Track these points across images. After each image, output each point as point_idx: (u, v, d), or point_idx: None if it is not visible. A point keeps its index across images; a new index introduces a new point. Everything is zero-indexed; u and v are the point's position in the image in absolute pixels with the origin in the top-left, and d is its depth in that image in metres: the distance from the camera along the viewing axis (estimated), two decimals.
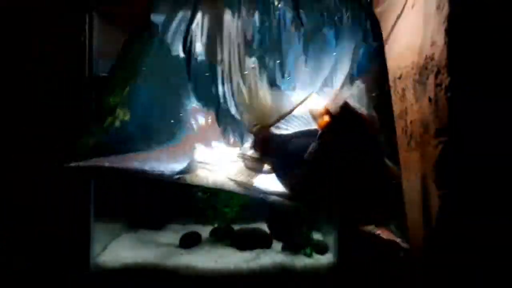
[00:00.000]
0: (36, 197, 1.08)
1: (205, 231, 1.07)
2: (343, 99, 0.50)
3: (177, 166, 0.61)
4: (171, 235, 1.07)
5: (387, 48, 0.99)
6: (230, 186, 0.58)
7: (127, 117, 0.63)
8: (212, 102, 0.60)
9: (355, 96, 0.54)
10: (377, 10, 0.95)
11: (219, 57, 0.57)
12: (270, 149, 0.55)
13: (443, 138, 0.67)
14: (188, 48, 0.60)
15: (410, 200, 0.82)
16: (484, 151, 0.64)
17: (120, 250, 0.94)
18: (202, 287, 0.86)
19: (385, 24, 0.99)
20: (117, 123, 0.63)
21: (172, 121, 0.62)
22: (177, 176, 0.59)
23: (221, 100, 0.58)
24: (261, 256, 0.90)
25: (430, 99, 0.71)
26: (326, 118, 0.50)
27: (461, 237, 0.66)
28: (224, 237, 1.03)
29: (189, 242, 1.00)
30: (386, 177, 0.53)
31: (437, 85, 0.68)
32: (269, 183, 0.56)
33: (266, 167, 0.57)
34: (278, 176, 0.54)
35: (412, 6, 0.84)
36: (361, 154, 0.50)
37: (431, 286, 0.71)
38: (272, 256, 0.90)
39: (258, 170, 0.56)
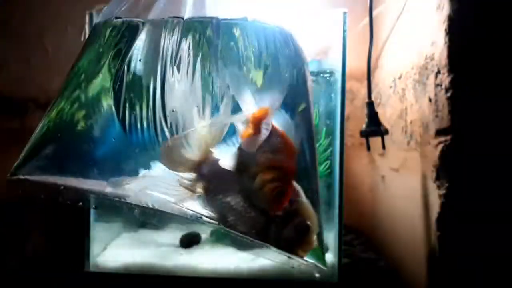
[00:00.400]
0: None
1: (205, 231, 1.06)
2: (266, 115, 0.48)
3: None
4: (171, 235, 1.07)
5: (386, 49, 1.00)
6: (163, 205, 0.51)
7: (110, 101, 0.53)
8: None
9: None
10: (377, 10, 0.96)
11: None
12: (204, 170, 0.51)
13: (443, 138, 0.67)
14: (118, 83, 0.52)
15: (410, 200, 0.82)
16: (485, 151, 0.64)
17: (120, 250, 0.94)
18: (202, 287, 0.85)
19: (385, 24, 0.99)
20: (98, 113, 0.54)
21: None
22: (107, 190, 0.51)
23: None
24: (261, 256, 0.90)
25: (430, 99, 0.71)
26: (250, 130, 0.48)
27: (461, 238, 0.66)
28: (224, 237, 1.03)
29: (189, 242, 0.99)
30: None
31: (437, 85, 0.68)
32: (201, 206, 0.52)
33: (199, 189, 0.52)
34: (207, 199, 0.51)
35: (412, 6, 0.84)
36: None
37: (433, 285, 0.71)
38: (272, 256, 0.89)
39: (193, 192, 0.51)
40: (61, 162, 0.53)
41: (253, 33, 0.54)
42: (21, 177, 0.52)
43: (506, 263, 0.65)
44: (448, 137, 0.66)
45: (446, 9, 0.65)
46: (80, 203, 0.55)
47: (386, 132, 0.85)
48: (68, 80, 0.58)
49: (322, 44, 1.07)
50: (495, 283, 0.65)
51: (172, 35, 0.51)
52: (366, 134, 0.86)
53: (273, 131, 0.48)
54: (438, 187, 0.68)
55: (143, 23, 0.53)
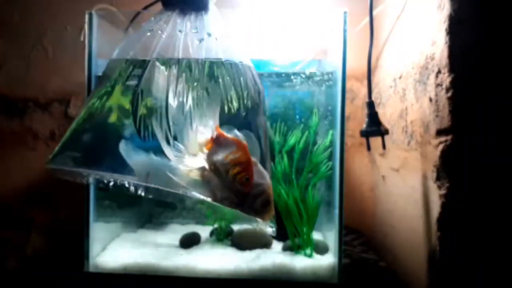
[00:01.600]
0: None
1: (205, 231, 1.07)
2: (218, 131, 0.67)
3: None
4: (171, 235, 1.07)
5: (387, 48, 1.00)
6: (166, 185, 0.64)
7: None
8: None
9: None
10: (377, 10, 0.96)
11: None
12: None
13: (443, 138, 0.67)
14: (135, 105, 0.66)
15: (411, 200, 0.82)
16: (485, 151, 0.64)
17: (120, 250, 0.94)
18: (202, 287, 0.85)
19: (385, 24, 0.99)
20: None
21: None
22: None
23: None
24: (261, 256, 0.90)
25: (430, 99, 0.71)
26: (210, 144, 0.66)
27: (461, 237, 0.66)
28: (224, 237, 1.03)
29: (189, 242, 1.00)
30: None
31: (437, 85, 0.68)
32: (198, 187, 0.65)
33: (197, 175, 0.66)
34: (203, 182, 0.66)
35: (412, 6, 0.84)
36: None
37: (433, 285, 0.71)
38: (272, 256, 0.89)
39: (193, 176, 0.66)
40: (87, 156, 0.68)
41: (223, 69, 0.70)
42: (53, 167, 0.67)
43: (506, 263, 0.65)
44: (449, 137, 0.66)
45: (446, 9, 0.65)
46: (101, 185, 0.71)
47: (386, 132, 0.84)
48: (86, 103, 0.71)
49: (322, 44, 1.07)
50: (495, 283, 0.65)
51: (171, 71, 0.67)
52: (366, 134, 0.85)
53: (227, 140, 0.65)
54: (439, 187, 0.68)
55: (149, 61, 0.68)
